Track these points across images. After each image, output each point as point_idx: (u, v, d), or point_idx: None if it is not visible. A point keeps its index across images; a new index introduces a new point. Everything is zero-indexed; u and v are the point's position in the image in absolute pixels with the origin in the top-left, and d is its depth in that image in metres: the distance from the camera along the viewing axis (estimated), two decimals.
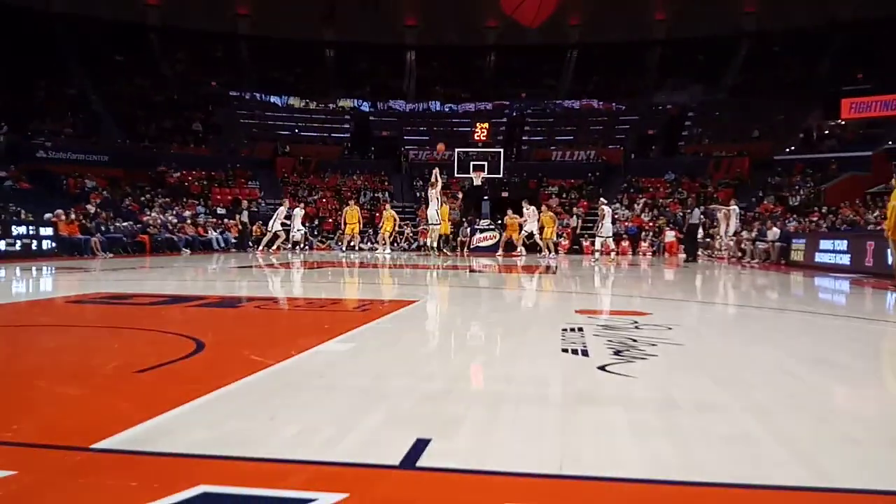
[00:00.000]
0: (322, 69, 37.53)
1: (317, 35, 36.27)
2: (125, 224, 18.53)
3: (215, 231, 21.04)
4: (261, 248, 18.69)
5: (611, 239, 17.31)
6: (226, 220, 22.66)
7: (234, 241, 20.98)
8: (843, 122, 28.56)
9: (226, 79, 34.84)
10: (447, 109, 35.63)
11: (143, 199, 23.16)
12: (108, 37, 32.67)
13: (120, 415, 2.25)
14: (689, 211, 20.99)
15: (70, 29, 31.87)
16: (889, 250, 9.74)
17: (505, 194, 26.03)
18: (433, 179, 17.37)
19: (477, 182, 24.33)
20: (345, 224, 19.34)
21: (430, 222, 17.19)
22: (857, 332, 5.16)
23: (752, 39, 34.55)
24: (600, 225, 17.11)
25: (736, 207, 17.66)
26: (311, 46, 36.94)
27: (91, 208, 18.62)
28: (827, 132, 29.33)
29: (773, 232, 17.14)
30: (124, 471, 1.77)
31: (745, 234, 18.52)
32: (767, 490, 1.71)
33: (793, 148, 28.87)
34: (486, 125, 28.57)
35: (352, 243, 19.95)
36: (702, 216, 19.67)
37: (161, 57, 34.64)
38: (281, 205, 19.65)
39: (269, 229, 18.74)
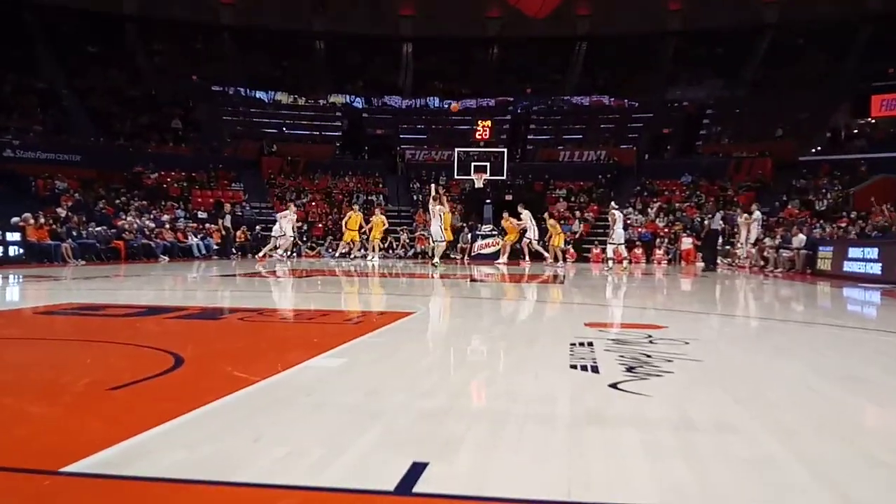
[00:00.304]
0: (312, 62, 37.63)
1: (306, 26, 36.39)
2: (98, 229, 18.53)
3: (196, 236, 21.02)
4: (288, 254, 18.69)
5: (623, 246, 17.32)
6: (207, 225, 22.65)
7: (216, 247, 20.96)
8: (872, 121, 28.62)
9: (208, 72, 34.90)
10: (446, 106, 35.69)
11: (118, 201, 23.16)
12: (80, 27, 32.74)
13: (91, 436, 2.24)
14: (710, 216, 20.99)
15: (40, 18, 31.95)
16: None
17: (509, 197, 25.98)
18: (434, 194, 17.33)
19: (479, 184, 24.25)
20: (346, 230, 19.32)
21: (435, 240, 17.25)
22: (888, 347, 5.16)
23: (774, 31, 34.64)
24: (611, 231, 17.12)
25: (758, 213, 17.67)
26: (299, 38, 37.04)
27: (62, 212, 18.61)
28: (856, 131, 29.37)
29: (799, 239, 17.16)
30: (96, 497, 1.77)
31: (767, 241, 18.53)
32: None
33: (819, 148, 28.91)
34: (489, 123, 28.61)
35: (344, 250, 19.96)
36: (721, 221, 19.67)
37: (138, 49, 34.70)
38: (286, 209, 19.56)
39: (290, 235, 18.64)
